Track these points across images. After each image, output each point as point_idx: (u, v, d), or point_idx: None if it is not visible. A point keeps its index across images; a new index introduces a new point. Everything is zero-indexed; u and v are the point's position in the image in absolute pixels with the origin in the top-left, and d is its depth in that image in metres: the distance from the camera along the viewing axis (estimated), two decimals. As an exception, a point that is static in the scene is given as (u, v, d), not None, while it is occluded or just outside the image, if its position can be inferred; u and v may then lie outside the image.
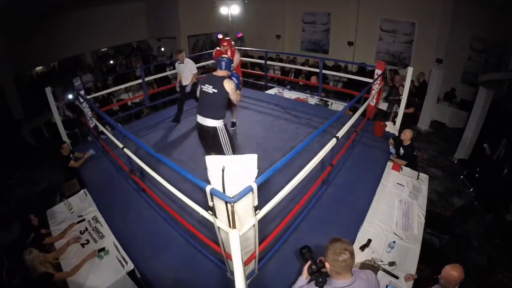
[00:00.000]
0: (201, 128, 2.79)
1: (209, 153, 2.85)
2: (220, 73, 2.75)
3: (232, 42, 4.46)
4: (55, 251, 2.57)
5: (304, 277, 1.52)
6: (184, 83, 4.50)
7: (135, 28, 9.50)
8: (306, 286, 1.42)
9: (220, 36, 9.15)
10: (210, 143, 2.81)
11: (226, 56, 3.05)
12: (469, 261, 3.12)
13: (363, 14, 7.99)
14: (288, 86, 6.23)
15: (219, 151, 2.77)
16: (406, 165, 3.59)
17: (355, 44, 8.44)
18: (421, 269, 2.34)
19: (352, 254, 1.27)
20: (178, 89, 4.74)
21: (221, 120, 2.73)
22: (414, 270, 2.26)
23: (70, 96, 5.89)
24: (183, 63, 4.44)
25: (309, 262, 1.51)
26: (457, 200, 4.30)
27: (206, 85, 2.68)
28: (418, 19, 7.10)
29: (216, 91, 2.63)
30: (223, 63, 2.74)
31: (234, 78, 2.89)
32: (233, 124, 4.31)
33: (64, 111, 5.62)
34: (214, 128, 2.70)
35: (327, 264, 1.31)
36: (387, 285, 2.13)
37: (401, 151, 3.67)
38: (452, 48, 6.78)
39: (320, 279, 1.35)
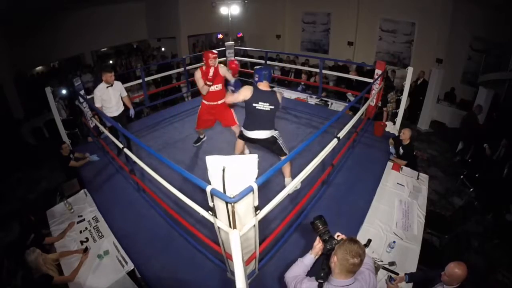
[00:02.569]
0: (256, 140, 2.80)
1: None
2: (265, 86, 2.67)
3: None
4: (55, 252, 2.57)
5: (313, 254, 1.48)
6: (115, 113, 3.49)
7: (135, 28, 9.48)
8: (306, 279, 1.41)
9: (220, 36, 9.06)
10: (272, 148, 2.85)
11: (264, 67, 2.88)
12: (469, 261, 3.12)
13: (363, 14, 7.99)
14: (288, 89, 6.20)
15: (280, 151, 2.82)
16: (406, 165, 3.59)
17: (355, 44, 8.44)
18: (421, 269, 2.34)
19: (362, 262, 1.27)
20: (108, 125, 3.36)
21: (274, 128, 2.78)
22: (414, 270, 2.26)
23: (64, 91, 5.87)
24: (112, 85, 3.36)
25: (320, 238, 1.45)
26: (457, 200, 4.30)
27: (260, 103, 2.62)
28: (418, 19, 7.10)
29: (273, 107, 2.65)
30: (268, 75, 2.65)
31: (233, 86, 2.88)
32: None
33: (60, 110, 5.60)
34: (274, 137, 2.76)
35: (334, 258, 1.30)
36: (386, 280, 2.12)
37: (401, 150, 3.67)
38: (452, 48, 6.79)
39: (321, 274, 1.34)
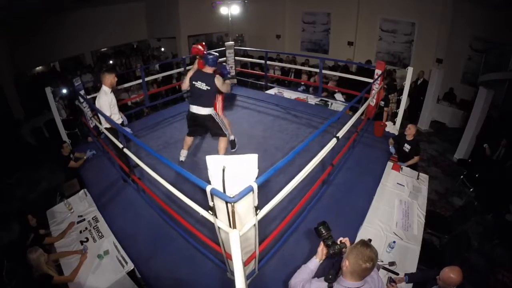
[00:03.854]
0: (196, 117, 3.14)
1: (200, 134, 3.64)
2: (208, 69, 3.02)
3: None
4: (55, 253, 2.57)
5: (318, 259, 1.49)
6: (122, 119, 3.23)
7: (135, 28, 9.50)
8: (315, 280, 1.41)
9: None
10: (209, 126, 3.21)
11: (213, 52, 3.17)
12: (469, 261, 3.12)
13: (363, 14, 7.99)
14: (288, 89, 6.20)
15: (219, 130, 3.20)
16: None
17: (355, 44, 8.44)
18: (421, 269, 2.34)
19: (374, 265, 1.27)
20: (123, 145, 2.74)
21: (213, 108, 3.17)
22: (414, 270, 2.26)
23: (64, 91, 5.88)
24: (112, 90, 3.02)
25: (323, 243, 1.46)
26: (457, 200, 4.30)
27: (199, 82, 3.01)
28: (418, 19, 7.10)
29: (209, 88, 3.01)
30: (211, 60, 2.99)
31: (223, 70, 3.22)
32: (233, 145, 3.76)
33: (60, 110, 5.58)
34: (210, 115, 3.14)
35: (346, 262, 1.29)
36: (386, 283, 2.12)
37: (407, 147, 3.60)
38: (452, 48, 6.78)
39: (330, 276, 1.34)
